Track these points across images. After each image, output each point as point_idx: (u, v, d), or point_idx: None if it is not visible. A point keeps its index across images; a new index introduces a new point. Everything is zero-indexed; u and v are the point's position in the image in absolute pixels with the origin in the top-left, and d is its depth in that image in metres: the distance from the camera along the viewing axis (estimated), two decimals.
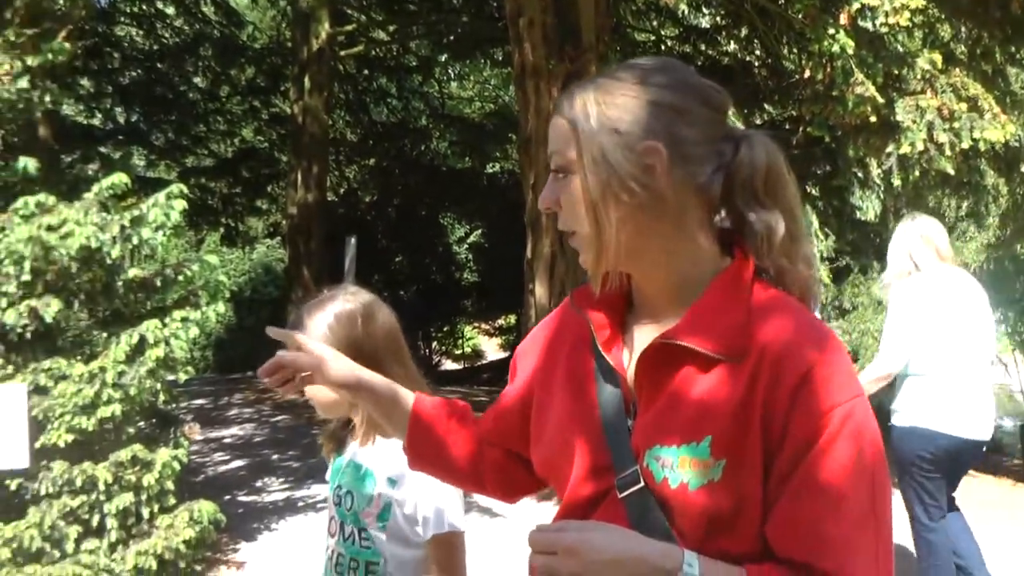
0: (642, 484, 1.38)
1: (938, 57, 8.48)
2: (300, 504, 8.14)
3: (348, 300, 2.28)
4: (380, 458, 2.27)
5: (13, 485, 5.98)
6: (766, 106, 12.46)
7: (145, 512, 6.18)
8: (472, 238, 20.71)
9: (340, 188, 20.79)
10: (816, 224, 9.62)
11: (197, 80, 16.76)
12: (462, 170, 19.48)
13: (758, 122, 11.84)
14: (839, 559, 1.29)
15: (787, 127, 11.17)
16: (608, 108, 1.39)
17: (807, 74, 9.20)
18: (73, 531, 5.97)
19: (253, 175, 17.68)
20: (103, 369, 6.10)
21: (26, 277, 6.07)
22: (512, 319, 18.13)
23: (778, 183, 1.45)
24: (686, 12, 13.28)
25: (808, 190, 11.08)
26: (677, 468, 1.34)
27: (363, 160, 20.45)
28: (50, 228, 6.12)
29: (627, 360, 1.50)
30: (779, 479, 1.31)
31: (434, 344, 20.26)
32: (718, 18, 13.11)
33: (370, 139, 19.53)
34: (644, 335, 1.47)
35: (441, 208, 19.36)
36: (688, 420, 1.35)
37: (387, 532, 2.25)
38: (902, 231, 5.26)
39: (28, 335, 6.17)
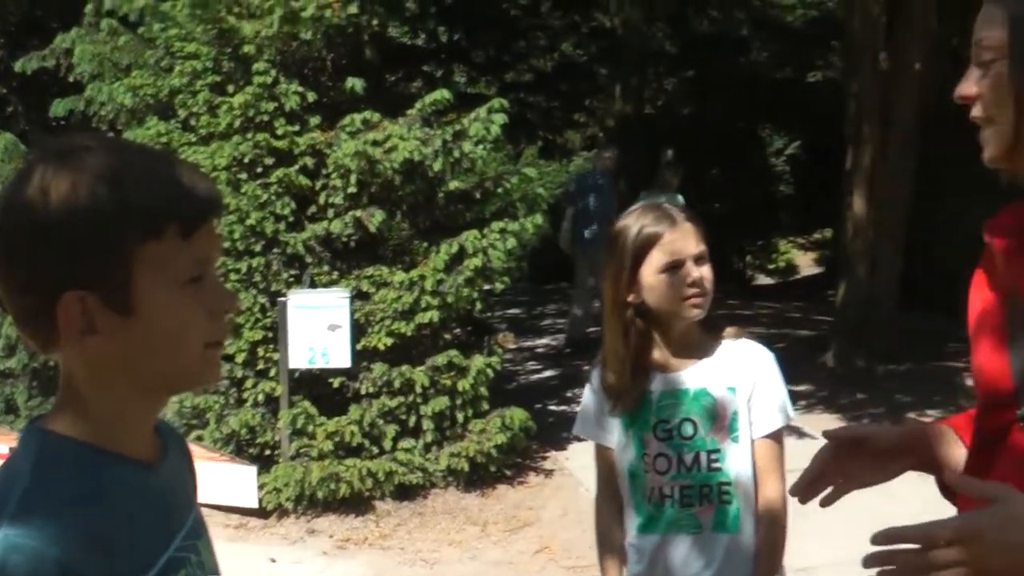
0: None
1: None
2: None
3: None
4: (709, 372, 2.27)
5: (336, 383, 6.40)
6: None
7: (459, 416, 6.46)
8: (789, 150, 19.97)
9: (658, 101, 20.53)
10: None
11: None
12: (781, 80, 18.74)
13: None
14: None
15: None
16: None
17: None
18: (391, 430, 6.33)
19: (571, 89, 17.73)
20: (423, 277, 6.38)
21: (352, 189, 6.42)
22: (828, 233, 17.36)
23: None
24: None
25: None
26: None
27: (682, 72, 20.10)
28: (375, 143, 6.42)
29: None
30: None
31: (747, 258, 19.79)
32: None
33: (689, 51, 19.13)
34: None
35: (759, 120, 18.74)
36: None
37: (740, 443, 2.25)
38: None
39: (353, 244, 6.54)
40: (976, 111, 1.39)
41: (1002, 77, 1.34)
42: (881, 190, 9.28)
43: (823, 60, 18.85)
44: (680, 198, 9.58)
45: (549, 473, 6.85)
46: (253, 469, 6.18)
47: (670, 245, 2.18)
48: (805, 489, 1.53)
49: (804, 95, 17.75)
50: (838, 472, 1.54)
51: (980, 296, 1.52)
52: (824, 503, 1.54)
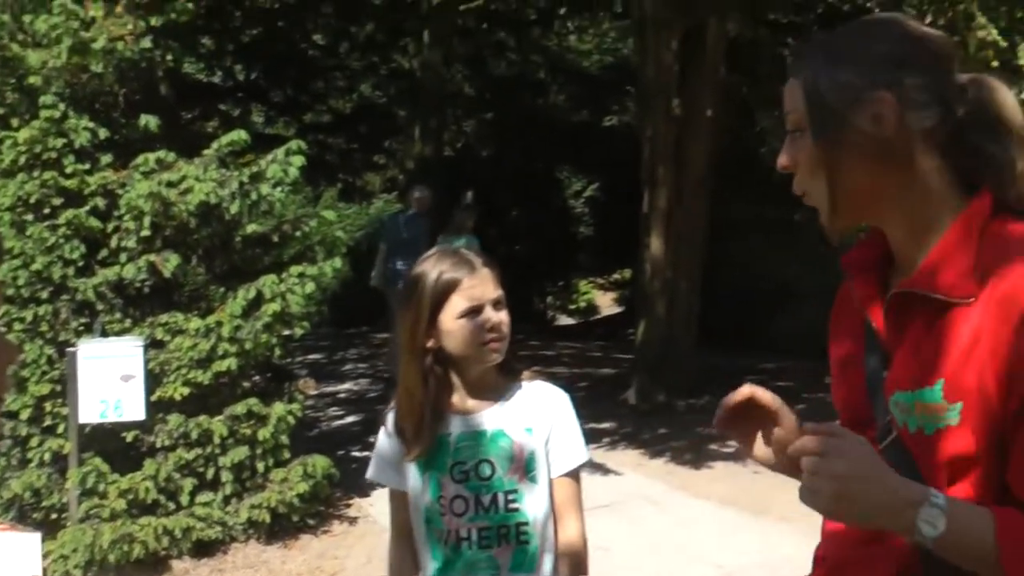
0: (895, 433, 1.41)
1: None
2: None
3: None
4: (507, 414, 2.30)
5: (129, 437, 6.13)
6: None
7: (259, 466, 6.28)
8: (588, 192, 20.52)
9: (457, 143, 20.76)
10: None
11: (317, 37, 16.83)
12: (579, 124, 19.22)
13: None
14: None
15: None
16: (834, 63, 1.43)
17: (928, 19, 8.79)
18: (188, 483, 6.10)
19: (371, 131, 17.74)
20: (219, 323, 6.20)
21: (146, 232, 6.19)
22: (627, 274, 17.84)
23: (1014, 116, 1.44)
24: None
25: None
26: (913, 413, 1.37)
27: (480, 114, 20.41)
28: (170, 184, 6.22)
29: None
30: (1016, 421, 1.29)
31: (548, 299, 20.19)
32: None
33: (487, 93, 19.46)
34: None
35: (557, 162, 19.18)
36: (921, 365, 1.37)
37: (537, 483, 2.28)
38: None
39: (146, 289, 6.31)
40: (795, 184, 1.49)
41: (808, 147, 1.44)
42: (677, 231, 9.63)
43: (619, 105, 19.45)
44: (476, 241, 9.70)
45: (353, 520, 6.74)
46: (37, 536, 5.77)
47: (469, 291, 2.21)
48: (720, 420, 1.59)
49: (601, 138, 18.27)
50: (732, 423, 1.61)
51: (838, 323, 1.64)
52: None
